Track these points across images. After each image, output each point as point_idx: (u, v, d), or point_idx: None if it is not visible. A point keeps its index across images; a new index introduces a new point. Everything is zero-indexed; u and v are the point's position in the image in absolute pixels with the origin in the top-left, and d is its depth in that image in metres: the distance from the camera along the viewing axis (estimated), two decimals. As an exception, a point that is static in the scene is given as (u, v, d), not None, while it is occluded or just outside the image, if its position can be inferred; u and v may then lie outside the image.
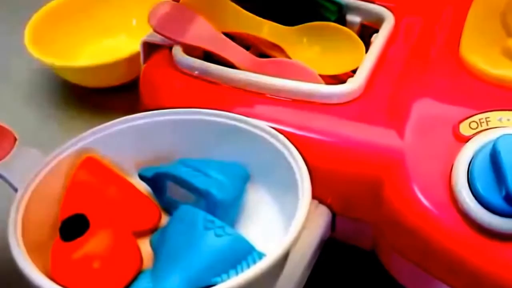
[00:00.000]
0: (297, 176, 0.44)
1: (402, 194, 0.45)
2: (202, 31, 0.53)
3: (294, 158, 0.45)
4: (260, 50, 0.57)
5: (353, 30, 0.57)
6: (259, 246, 0.42)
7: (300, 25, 0.56)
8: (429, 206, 0.44)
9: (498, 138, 0.42)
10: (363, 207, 0.49)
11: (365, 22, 0.58)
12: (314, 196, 0.44)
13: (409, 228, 0.45)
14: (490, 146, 0.42)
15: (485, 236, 0.42)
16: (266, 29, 0.56)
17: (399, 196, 0.46)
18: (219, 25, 0.55)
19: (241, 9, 0.56)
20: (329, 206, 0.50)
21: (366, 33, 0.57)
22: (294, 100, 0.50)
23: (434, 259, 0.44)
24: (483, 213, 0.42)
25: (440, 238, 0.43)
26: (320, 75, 0.53)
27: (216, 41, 0.53)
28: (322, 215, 0.50)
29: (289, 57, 0.55)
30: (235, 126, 0.48)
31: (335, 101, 0.50)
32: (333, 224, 0.51)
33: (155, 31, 0.54)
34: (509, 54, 0.50)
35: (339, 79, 0.54)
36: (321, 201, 0.50)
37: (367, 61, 0.52)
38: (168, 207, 0.48)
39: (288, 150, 0.46)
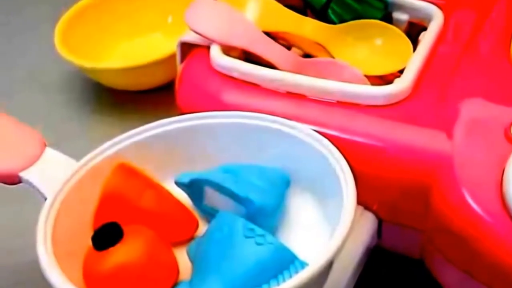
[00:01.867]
0: (342, 181, 0.42)
1: (451, 200, 0.43)
2: (241, 30, 0.51)
3: (338, 163, 0.43)
4: (303, 49, 0.54)
5: (400, 29, 0.55)
6: (301, 254, 0.40)
7: (345, 23, 0.54)
8: (480, 212, 0.42)
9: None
10: (410, 213, 0.47)
11: (412, 20, 0.56)
12: (359, 202, 0.42)
13: (458, 235, 0.42)
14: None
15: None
16: (308, 28, 0.54)
17: (448, 202, 0.43)
18: (259, 23, 0.53)
19: (282, 6, 0.54)
20: (375, 213, 0.48)
21: (413, 31, 0.55)
22: (338, 102, 0.48)
23: (484, 267, 0.42)
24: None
25: (491, 245, 0.41)
26: (366, 76, 0.51)
27: (256, 40, 0.51)
28: (368, 222, 0.48)
29: (332, 57, 0.53)
30: (277, 130, 0.46)
31: (381, 102, 0.47)
32: (379, 231, 0.49)
33: (192, 29, 0.51)
34: None
35: (385, 80, 0.51)
36: (366, 207, 0.48)
37: (415, 61, 0.49)
38: (206, 215, 0.46)
39: (333, 155, 0.44)
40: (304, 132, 0.46)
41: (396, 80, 0.48)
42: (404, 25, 0.56)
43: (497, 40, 0.51)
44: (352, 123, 0.47)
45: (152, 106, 0.64)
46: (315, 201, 0.46)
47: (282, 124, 0.46)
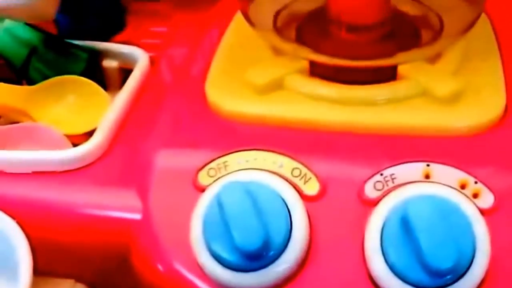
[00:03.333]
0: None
1: (148, 258, 0.42)
2: None
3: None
4: (7, 117, 0.53)
5: (113, 76, 0.54)
6: None
7: (42, 83, 0.52)
8: (179, 269, 0.41)
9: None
10: (123, 278, 0.45)
11: (123, 66, 0.55)
12: (68, 275, 0.43)
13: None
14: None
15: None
16: (3, 93, 0.52)
17: (145, 260, 0.43)
18: None
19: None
20: (89, 282, 0.47)
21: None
22: (34, 172, 0.46)
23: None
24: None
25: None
26: (70, 136, 0.50)
27: None
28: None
29: (34, 120, 0.51)
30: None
31: (73, 166, 0.46)
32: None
33: None
34: (250, 86, 0.47)
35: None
36: (79, 279, 0.47)
37: (108, 118, 0.49)
38: None
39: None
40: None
41: (85, 143, 0.47)
42: (116, 72, 0.55)
43: (196, 76, 0.50)
44: (45, 193, 0.46)
45: None
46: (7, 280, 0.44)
47: None
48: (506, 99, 0.45)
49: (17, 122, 0.52)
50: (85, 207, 0.45)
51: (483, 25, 0.52)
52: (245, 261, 0.39)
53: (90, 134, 0.49)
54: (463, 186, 0.41)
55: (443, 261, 0.36)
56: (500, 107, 0.45)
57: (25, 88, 0.52)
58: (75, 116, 0.52)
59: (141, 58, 0.53)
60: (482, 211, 0.40)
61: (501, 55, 0.49)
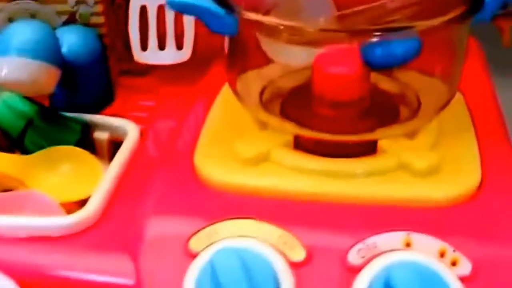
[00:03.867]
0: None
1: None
2: None
3: None
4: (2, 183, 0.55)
5: (103, 147, 0.56)
6: None
7: (37, 153, 0.54)
8: None
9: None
10: None
11: (113, 138, 0.57)
12: None
13: None
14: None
15: None
16: (1, 162, 0.54)
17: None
18: None
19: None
20: None
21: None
22: (29, 237, 0.48)
23: None
24: None
25: None
26: (66, 203, 0.51)
27: None
28: None
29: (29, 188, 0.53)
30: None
31: (67, 232, 0.48)
32: None
33: None
34: (237, 158, 0.49)
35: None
36: None
37: (103, 186, 0.51)
38: None
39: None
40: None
41: (83, 209, 0.49)
42: (105, 143, 0.57)
43: (184, 153, 0.53)
44: (40, 256, 0.48)
45: None
46: None
47: None
48: (481, 172, 0.48)
49: (11, 190, 0.53)
50: (79, 271, 0.46)
51: (458, 102, 0.55)
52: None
53: (83, 202, 0.51)
54: (442, 254, 0.43)
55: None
56: (476, 179, 0.48)
57: (20, 157, 0.54)
58: (69, 184, 0.54)
59: (131, 130, 0.56)
60: (461, 278, 0.42)
61: (476, 131, 0.52)
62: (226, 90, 0.57)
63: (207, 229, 0.46)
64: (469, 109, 0.55)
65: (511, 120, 0.56)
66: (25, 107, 0.56)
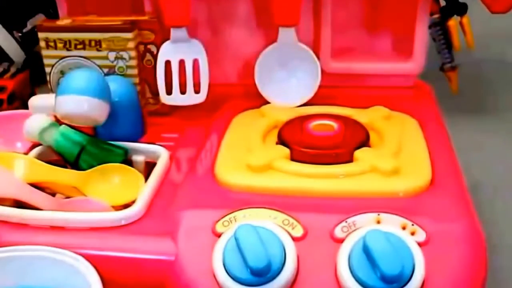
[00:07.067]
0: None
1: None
2: (6, 183, 0.66)
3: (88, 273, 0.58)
4: (64, 193, 0.70)
5: (140, 167, 0.72)
6: None
7: (92, 169, 0.69)
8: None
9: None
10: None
11: (148, 160, 0.73)
12: None
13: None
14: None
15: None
16: (64, 176, 0.69)
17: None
18: (25, 177, 0.67)
19: (42, 162, 0.69)
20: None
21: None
22: (91, 228, 0.63)
23: None
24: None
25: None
26: (113, 206, 0.67)
27: (21, 190, 0.66)
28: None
29: (86, 196, 0.68)
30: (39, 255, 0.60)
31: (122, 223, 0.63)
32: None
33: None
34: (248, 167, 0.66)
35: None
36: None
37: (145, 191, 0.66)
38: None
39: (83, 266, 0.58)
40: (67, 255, 0.60)
41: (133, 206, 0.64)
42: (142, 164, 0.73)
43: (206, 164, 0.69)
44: (103, 242, 0.62)
45: None
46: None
47: (49, 251, 0.60)
48: (431, 172, 0.65)
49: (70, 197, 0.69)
50: (130, 252, 0.61)
51: (414, 126, 0.73)
52: (253, 278, 0.55)
53: (126, 206, 0.67)
54: (404, 228, 0.58)
55: (392, 271, 0.53)
56: (427, 177, 0.64)
57: (79, 172, 0.69)
58: (117, 192, 0.68)
59: (163, 153, 0.71)
60: (419, 244, 0.57)
61: (427, 144, 0.69)
62: (235, 121, 0.74)
63: (228, 216, 0.61)
64: (422, 128, 0.73)
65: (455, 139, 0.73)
66: (78, 137, 0.71)
